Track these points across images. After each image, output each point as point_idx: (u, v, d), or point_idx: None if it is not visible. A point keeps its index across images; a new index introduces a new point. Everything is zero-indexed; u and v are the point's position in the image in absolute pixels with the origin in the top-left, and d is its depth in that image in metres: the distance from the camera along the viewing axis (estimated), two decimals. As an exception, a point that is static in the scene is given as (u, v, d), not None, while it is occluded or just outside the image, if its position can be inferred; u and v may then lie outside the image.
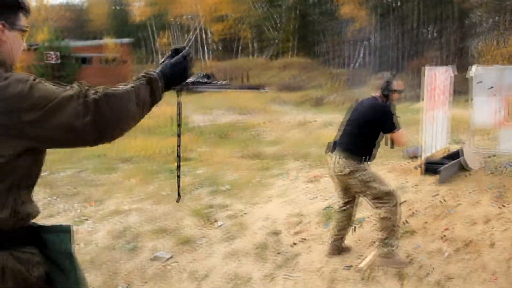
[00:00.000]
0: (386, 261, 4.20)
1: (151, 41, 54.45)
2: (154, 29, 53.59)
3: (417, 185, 7.66)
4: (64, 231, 1.60)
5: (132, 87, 1.59)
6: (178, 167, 1.97)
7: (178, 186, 1.98)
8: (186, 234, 5.08)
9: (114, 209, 5.82)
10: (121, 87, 1.59)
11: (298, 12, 47.94)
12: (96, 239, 4.83)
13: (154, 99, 1.69)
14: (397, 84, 4.33)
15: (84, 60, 30.47)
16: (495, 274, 4.23)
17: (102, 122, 1.48)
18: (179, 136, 1.98)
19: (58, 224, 1.64)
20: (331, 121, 17.04)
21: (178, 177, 1.98)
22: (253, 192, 6.97)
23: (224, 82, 33.65)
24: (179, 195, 1.99)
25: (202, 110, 19.94)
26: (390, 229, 4.15)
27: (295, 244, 4.90)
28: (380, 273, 4.19)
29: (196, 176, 7.89)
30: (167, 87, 1.77)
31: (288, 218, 5.79)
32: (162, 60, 1.83)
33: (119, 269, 4.13)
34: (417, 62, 35.87)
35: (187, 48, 1.86)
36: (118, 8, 61.74)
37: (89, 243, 4.69)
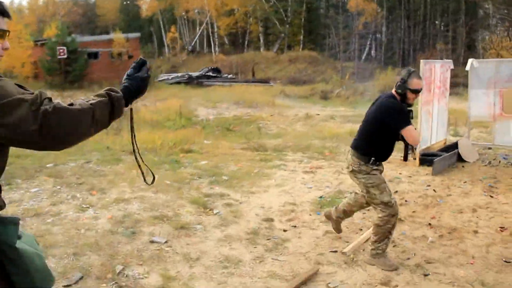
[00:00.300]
0: (374, 261, 4.21)
1: (160, 36, 54.77)
2: (163, 23, 53.88)
3: (411, 176, 7.89)
4: (12, 223, 1.63)
5: (90, 105, 1.60)
6: (136, 155, 2.03)
7: (142, 173, 2.06)
8: (183, 220, 5.34)
9: (116, 198, 6.09)
10: (80, 102, 1.60)
11: (306, 5, 47.94)
12: (97, 225, 5.10)
13: (113, 117, 1.71)
14: (413, 83, 4.01)
15: (91, 55, 30.77)
16: (473, 259, 4.45)
17: (48, 134, 1.50)
18: (132, 131, 2.01)
19: (8, 215, 1.66)
20: (334, 115, 17.25)
21: (139, 166, 2.05)
22: (251, 183, 7.22)
23: (230, 76, 33.82)
24: (144, 179, 2.08)
25: (208, 103, 20.20)
26: (381, 235, 4.16)
27: (286, 230, 5.15)
28: (360, 257, 4.43)
29: (197, 167, 8.15)
30: (130, 102, 1.82)
31: (283, 206, 6.04)
32: (129, 72, 1.87)
33: (118, 251, 4.40)
34: (424, 55, 35.87)
35: (148, 62, 1.91)
36: (127, 2, 62.11)
37: (90, 229, 4.96)
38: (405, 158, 4.45)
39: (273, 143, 11.02)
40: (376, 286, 3.84)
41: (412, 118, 4.07)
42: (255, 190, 6.80)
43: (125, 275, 3.93)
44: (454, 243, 4.87)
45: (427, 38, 45.95)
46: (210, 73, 32.90)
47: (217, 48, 50.08)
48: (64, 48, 27.00)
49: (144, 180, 2.08)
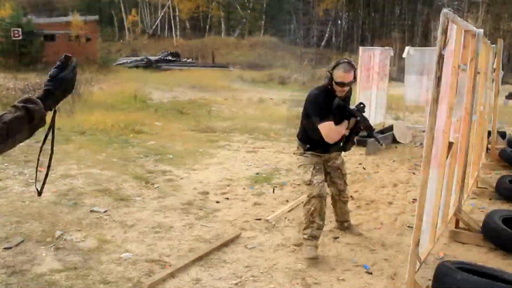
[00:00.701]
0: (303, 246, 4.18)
1: (121, 19, 54.06)
2: (124, 6, 53.18)
3: (346, 155, 8.42)
4: None
5: (3, 124, 1.55)
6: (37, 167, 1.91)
7: (43, 184, 1.89)
8: (124, 193, 5.73)
9: (62, 174, 6.40)
10: None
11: (267, -9, 48.26)
12: (42, 197, 5.43)
13: (35, 129, 1.67)
14: (337, 75, 3.84)
15: (47, 37, 30.30)
16: (381, 225, 5.02)
17: None
18: (53, 134, 1.84)
19: None
20: (287, 99, 17.76)
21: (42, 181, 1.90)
22: (194, 161, 7.65)
23: (190, 61, 33.97)
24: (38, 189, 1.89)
25: (164, 87, 20.38)
26: (305, 217, 4.12)
27: (218, 202, 5.61)
28: (282, 224, 4.94)
29: (145, 147, 8.51)
30: (54, 105, 1.75)
31: (220, 181, 6.50)
32: (51, 73, 1.75)
33: (59, 220, 4.76)
34: (381, 42, 36.79)
35: (75, 59, 1.79)
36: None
37: (34, 201, 5.29)
38: (344, 149, 4.28)
39: (222, 125, 11.44)
40: (289, 246, 4.34)
41: (347, 110, 3.97)
42: (196, 168, 7.23)
43: (63, 239, 4.31)
44: (369, 213, 5.43)
45: (385, 26, 47.04)
46: (169, 57, 32.93)
47: (178, 32, 49.88)
48: (19, 29, 26.56)
49: (36, 187, 1.89)
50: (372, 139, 8.80)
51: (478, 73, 4.92)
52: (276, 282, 3.63)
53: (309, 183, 4.07)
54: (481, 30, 4.32)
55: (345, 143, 4.20)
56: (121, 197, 5.58)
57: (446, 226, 4.37)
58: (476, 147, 6.32)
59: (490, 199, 6.19)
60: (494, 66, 7.65)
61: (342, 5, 47.53)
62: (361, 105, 4.07)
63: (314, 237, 4.09)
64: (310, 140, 4.13)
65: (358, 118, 4.01)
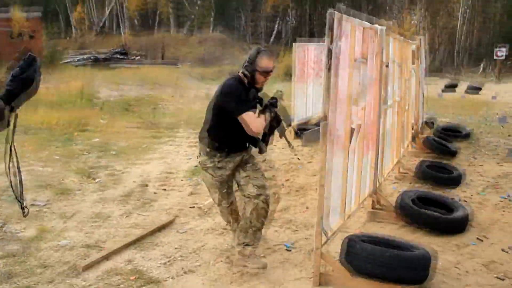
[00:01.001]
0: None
1: (66, 15, 52.90)
2: (69, 2, 52.07)
3: (283, 147, 8.90)
4: None
5: None
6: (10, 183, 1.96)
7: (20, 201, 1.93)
8: (65, 188, 5.97)
9: (2, 171, 6.54)
10: None
11: (215, -13, 48.41)
12: (-17, 193, 5.61)
13: None
14: (262, 62, 3.53)
15: (-14, 35, 29.37)
16: (307, 208, 5.47)
17: None
18: (11, 151, 1.90)
19: None
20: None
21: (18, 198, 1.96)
22: (137, 156, 7.92)
23: (137, 58, 33.82)
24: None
25: (111, 85, 20.31)
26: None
27: (156, 192, 5.94)
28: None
29: (88, 144, 8.71)
30: (17, 104, 1.77)
31: (159, 174, 6.81)
32: (14, 72, 1.75)
33: (-1, 214, 4.99)
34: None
35: (39, 59, 1.80)
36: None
37: (-25, 197, 5.47)
38: (260, 150, 3.76)
39: (167, 122, 11.72)
40: (217, 230, 4.71)
41: (264, 106, 3.69)
42: (138, 162, 7.52)
43: (3, 231, 4.54)
44: (297, 198, 5.88)
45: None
46: (117, 55, 32.70)
47: (126, 29, 49.30)
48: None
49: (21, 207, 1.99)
50: (309, 131, 9.37)
51: (387, 66, 5.43)
52: (202, 260, 4.00)
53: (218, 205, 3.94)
54: (384, 27, 4.82)
55: (260, 141, 3.73)
56: (61, 191, 5.81)
57: (359, 205, 4.84)
58: (397, 134, 6.87)
59: (410, 183, 6.77)
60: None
61: (289, 1, 48.26)
62: (274, 100, 3.76)
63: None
64: (223, 138, 3.64)
65: (272, 114, 3.70)
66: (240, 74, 3.64)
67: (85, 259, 3.94)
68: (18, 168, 1.96)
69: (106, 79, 22.41)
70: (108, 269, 3.81)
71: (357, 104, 4.43)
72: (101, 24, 50.84)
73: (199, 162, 3.82)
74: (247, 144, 3.79)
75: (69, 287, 3.52)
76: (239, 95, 3.53)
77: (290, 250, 4.32)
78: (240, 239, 3.82)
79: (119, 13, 49.78)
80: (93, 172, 6.81)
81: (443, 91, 21.44)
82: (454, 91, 21.92)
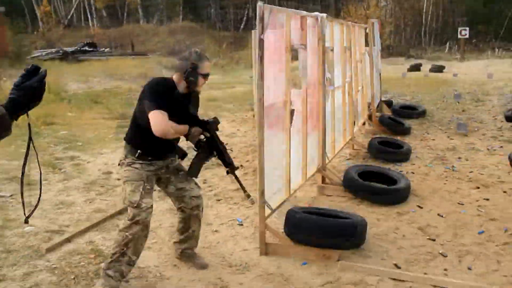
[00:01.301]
0: (100, 280, 3.37)
1: (32, 9, 52.08)
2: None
3: (246, 132, 9.22)
4: None
5: None
6: (22, 193, 1.96)
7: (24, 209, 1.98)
8: (30, 179, 6.16)
9: (-30, 166, 6.75)
10: None
11: (182, -24, 48.20)
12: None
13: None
14: (205, 66, 3.41)
15: None
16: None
17: None
18: (25, 163, 1.90)
19: None
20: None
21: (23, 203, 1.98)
22: (102, 146, 8.14)
23: (106, 50, 33.64)
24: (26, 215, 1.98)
25: (79, 78, 20.34)
26: (117, 245, 3.33)
27: (119, 179, 6.18)
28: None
29: (56, 137, 8.88)
30: (20, 113, 1.76)
31: (124, 162, 7.05)
32: (16, 81, 1.73)
33: (-35, 206, 5.20)
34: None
35: (44, 70, 1.77)
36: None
37: None
38: (190, 171, 3.60)
39: (134, 112, 11.88)
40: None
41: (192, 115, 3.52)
42: (104, 152, 7.75)
43: (-31, 222, 4.77)
44: (253, 178, 6.19)
45: (302, 9, 48.27)
46: (86, 48, 32.45)
47: (95, 22, 48.88)
48: None
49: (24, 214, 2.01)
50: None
51: (332, 50, 5.77)
52: (158, 238, 4.31)
53: (136, 206, 3.29)
54: (324, 15, 5.15)
55: (191, 165, 3.58)
56: (27, 182, 6.01)
57: (306, 180, 5.19)
58: (348, 114, 7.24)
59: (363, 159, 7.16)
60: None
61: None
62: (214, 119, 3.58)
63: (121, 275, 3.32)
64: (145, 143, 3.42)
65: (208, 134, 3.53)
66: (173, 79, 3.45)
67: (48, 243, 4.21)
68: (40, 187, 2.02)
69: (75, 72, 22.37)
70: (70, 250, 4.09)
71: (299, 87, 4.76)
72: (68, 18, 50.23)
73: (120, 163, 3.60)
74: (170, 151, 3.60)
75: (32, 268, 3.79)
76: (159, 92, 3.32)
77: (242, 225, 4.65)
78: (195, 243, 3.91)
79: (86, 6, 49.24)
80: (59, 163, 7.02)
81: (409, 70, 22.01)
82: (419, 70, 22.54)
